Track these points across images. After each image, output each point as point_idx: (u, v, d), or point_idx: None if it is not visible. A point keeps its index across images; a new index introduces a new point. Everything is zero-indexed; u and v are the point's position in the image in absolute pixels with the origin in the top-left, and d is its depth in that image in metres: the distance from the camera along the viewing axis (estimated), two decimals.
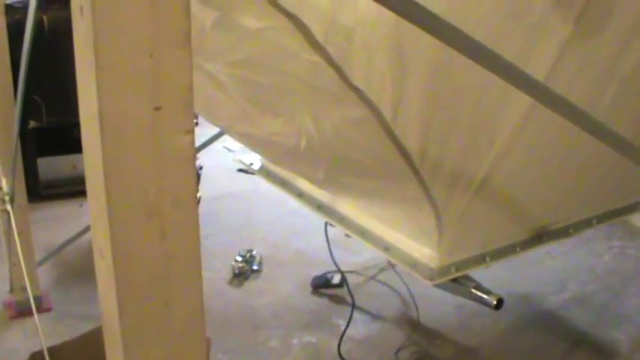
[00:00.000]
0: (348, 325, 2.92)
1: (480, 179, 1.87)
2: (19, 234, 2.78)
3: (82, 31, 0.80)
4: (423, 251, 2.09)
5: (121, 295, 0.86)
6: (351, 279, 3.36)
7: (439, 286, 2.79)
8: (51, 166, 4.54)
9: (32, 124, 4.24)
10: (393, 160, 1.67)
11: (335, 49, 1.24)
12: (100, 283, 0.94)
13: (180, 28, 0.80)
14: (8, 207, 2.25)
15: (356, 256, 3.55)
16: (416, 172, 1.73)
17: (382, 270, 3.43)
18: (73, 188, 4.48)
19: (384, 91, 1.43)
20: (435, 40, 1.41)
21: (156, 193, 0.84)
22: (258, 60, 1.38)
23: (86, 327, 3.02)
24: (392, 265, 3.27)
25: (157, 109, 0.80)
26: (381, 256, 3.53)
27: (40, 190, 4.44)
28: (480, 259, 2.15)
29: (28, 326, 3.08)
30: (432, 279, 2.03)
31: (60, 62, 4.13)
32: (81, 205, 4.40)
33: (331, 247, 3.01)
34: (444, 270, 2.06)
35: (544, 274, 3.64)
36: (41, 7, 4.11)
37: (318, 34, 1.19)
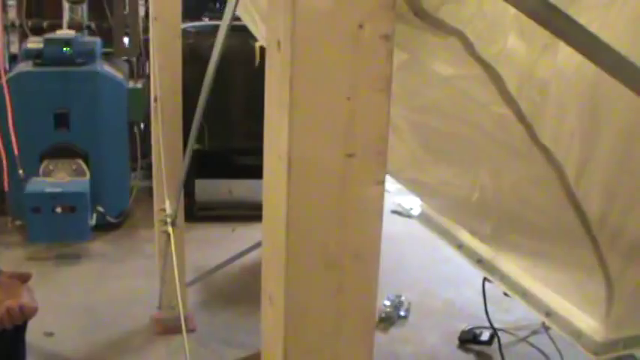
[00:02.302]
0: None
1: None
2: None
3: (276, 66, 0.76)
4: (588, 322, 1.95)
5: (288, 345, 0.81)
6: (501, 338, 3.21)
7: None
8: (208, 189, 4.64)
9: (195, 146, 4.35)
10: (569, 224, 1.56)
11: (527, 103, 1.15)
12: (266, 328, 0.89)
13: (382, 72, 0.75)
14: (169, 228, 2.28)
15: (506, 314, 3.38)
16: (592, 239, 1.61)
17: (534, 332, 3.25)
18: (227, 212, 4.57)
19: (570, 150, 1.33)
20: (633, 100, 1.31)
21: (338, 245, 0.79)
22: (443, 107, 1.32)
23: (229, 353, 3.05)
24: (546, 329, 3.09)
25: (350, 155, 0.76)
26: (533, 317, 3.37)
27: (195, 212, 4.54)
28: None
29: (172, 344, 3.13)
30: (596, 353, 1.88)
31: (226, 87, 4.24)
32: (233, 230, 4.47)
33: (479, 300, 2.88)
34: (610, 344, 1.91)
35: None
36: (214, 33, 4.27)
37: (512, 86, 1.11)
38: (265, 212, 0.86)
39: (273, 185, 0.80)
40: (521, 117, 1.17)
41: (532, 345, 3.24)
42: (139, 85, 4.46)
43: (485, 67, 1.05)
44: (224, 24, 1.69)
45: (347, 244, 0.79)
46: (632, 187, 1.55)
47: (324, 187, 0.76)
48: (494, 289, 2.78)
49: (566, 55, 1.14)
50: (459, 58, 1.06)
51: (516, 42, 1.14)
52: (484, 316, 3.23)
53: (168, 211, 2.31)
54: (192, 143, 1.89)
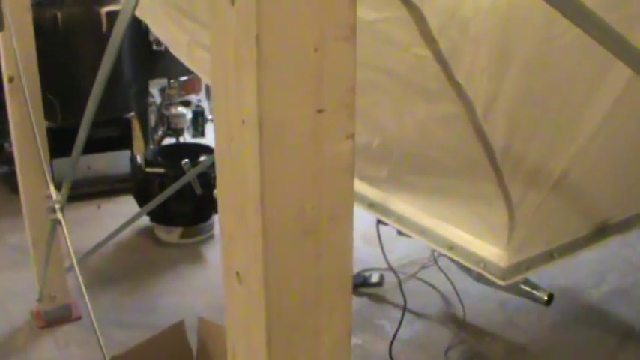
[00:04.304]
0: (400, 326, 2.82)
1: (558, 175, 1.78)
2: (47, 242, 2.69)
3: (230, 23, 0.69)
4: (490, 250, 2.01)
5: (271, 324, 0.75)
6: (388, 277, 3.26)
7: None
8: (65, 168, 4.41)
9: (46, 124, 4.11)
10: (474, 158, 1.58)
11: (447, 42, 1.14)
12: (233, 309, 0.83)
13: (347, 19, 0.69)
14: (59, 215, 2.13)
15: (390, 254, 3.45)
16: (497, 170, 1.64)
17: (423, 267, 3.33)
18: (89, 190, 4.37)
19: (480, 86, 1.33)
20: (538, 32, 1.33)
21: (314, 208, 0.73)
22: (358, 56, 1.28)
23: (120, 334, 2.93)
24: (435, 261, 3.17)
25: (320, 111, 0.70)
26: (416, 254, 3.45)
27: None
28: (548, 256, 2.06)
29: (59, 335, 2.98)
30: (504, 278, 1.94)
31: (75, 60, 4.02)
32: (99, 207, 4.29)
33: (360, 245, 2.90)
34: (514, 268, 1.97)
35: (581, 267, 3.55)
36: (55, 3, 4.01)
37: (434, 26, 1.09)
38: (223, 185, 0.79)
39: (234, 153, 0.73)
40: (439, 57, 1.15)
41: (420, 280, 3.32)
42: None
43: (410, 8, 1.02)
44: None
45: (322, 206, 0.74)
46: (534, 116, 1.59)
47: (297, 149, 0.70)
48: (373, 230, 2.82)
49: None
50: (384, 1, 1.02)
51: None
52: (369, 259, 3.29)
53: (55, 197, 2.16)
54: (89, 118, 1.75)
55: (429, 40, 1.10)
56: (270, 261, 0.73)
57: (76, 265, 1.93)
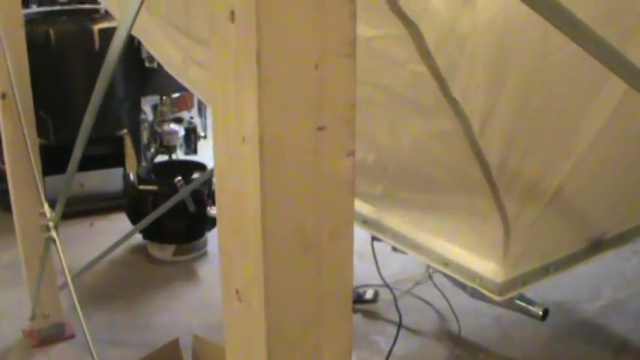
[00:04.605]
0: (395, 342, 2.81)
1: (554, 190, 1.79)
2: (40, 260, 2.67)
3: (230, 40, 0.69)
4: (486, 265, 2.00)
5: (271, 342, 0.75)
6: (382, 293, 3.26)
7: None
8: (58, 186, 4.39)
9: (39, 141, 4.10)
10: (470, 173, 1.58)
11: (444, 58, 1.14)
12: (232, 327, 0.82)
13: (348, 36, 0.70)
14: (54, 233, 2.12)
15: (385, 270, 3.44)
16: (492, 186, 1.65)
17: (418, 283, 3.32)
18: (81, 207, 4.35)
19: (476, 102, 1.33)
20: (534, 49, 1.33)
21: (314, 225, 0.73)
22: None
23: (113, 353, 2.92)
24: (430, 277, 3.16)
25: (321, 129, 0.70)
26: (411, 270, 3.44)
27: None
28: (544, 271, 2.06)
29: (53, 354, 2.95)
30: (500, 294, 1.93)
31: (67, 77, 4.01)
32: (91, 225, 4.27)
33: (355, 261, 2.89)
34: (510, 284, 1.97)
35: (575, 281, 3.55)
36: (48, 19, 4.01)
37: (431, 42, 1.09)
38: (223, 202, 0.79)
39: (234, 171, 0.73)
40: (436, 73, 1.15)
41: (414, 295, 3.31)
42: None
43: (407, 25, 1.02)
44: None
45: (323, 222, 0.74)
46: (530, 132, 1.59)
47: (298, 166, 0.70)
48: (367, 246, 2.81)
49: (482, 7, 1.14)
50: (381, 18, 1.02)
51: None
52: (363, 275, 3.28)
53: (49, 214, 2.15)
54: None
55: (426, 56, 1.10)
56: (270, 278, 0.72)
57: (70, 283, 1.92)
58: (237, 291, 0.79)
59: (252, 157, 0.68)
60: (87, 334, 1.83)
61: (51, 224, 2.10)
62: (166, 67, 2.35)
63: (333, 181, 0.72)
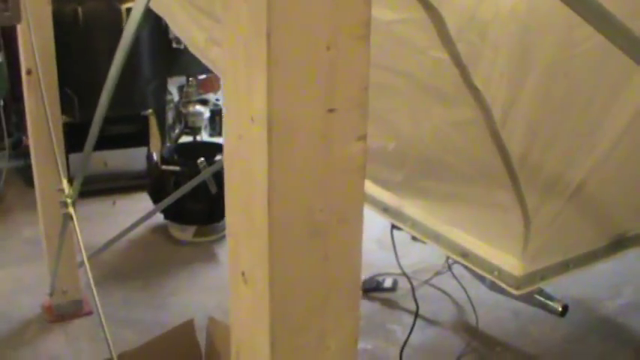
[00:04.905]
0: (411, 332, 2.80)
1: (576, 185, 1.76)
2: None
3: (243, 19, 0.67)
4: (505, 258, 1.98)
5: (275, 326, 0.74)
6: (401, 282, 3.24)
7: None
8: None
9: (64, 119, 4.12)
10: (491, 164, 1.55)
11: (466, 45, 1.11)
12: (238, 310, 0.81)
13: (362, 17, 0.68)
14: (71, 210, 2.13)
15: (404, 259, 3.42)
16: (513, 178, 1.62)
17: (437, 274, 3.30)
18: (104, 185, 4.38)
19: (499, 91, 1.31)
20: (558, 39, 1.30)
21: (322, 210, 0.72)
22: (376, 58, 1.27)
23: (128, 331, 2.93)
24: (450, 268, 3.14)
25: (331, 111, 0.69)
26: (430, 259, 3.42)
27: None
28: (564, 267, 2.03)
29: (70, 330, 2.98)
30: (518, 288, 1.91)
31: (94, 56, 4.02)
32: (114, 203, 4.30)
33: (375, 249, 2.88)
34: (529, 278, 1.94)
35: (597, 279, 3.50)
36: None
37: (453, 29, 1.07)
38: (230, 182, 0.78)
39: (243, 150, 0.72)
40: (457, 60, 1.13)
41: (433, 286, 3.29)
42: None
43: (428, 9, 1.00)
44: None
45: (331, 207, 0.72)
46: (553, 124, 1.56)
47: (306, 149, 0.69)
48: (386, 235, 2.80)
49: None
50: (401, 1, 1.00)
51: None
52: (382, 264, 3.26)
53: (67, 191, 2.15)
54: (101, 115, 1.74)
55: (448, 42, 1.08)
56: (275, 262, 0.71)
57: (86, 260, 1.93)
58: (242, 273, 0.78)
59: (260, 137, 0.67)
60: (100, 311, 1.83)
61: (69, 200, 2.11)
62: (190, 48, 2.34)
63: (342, 165, 0.71)
